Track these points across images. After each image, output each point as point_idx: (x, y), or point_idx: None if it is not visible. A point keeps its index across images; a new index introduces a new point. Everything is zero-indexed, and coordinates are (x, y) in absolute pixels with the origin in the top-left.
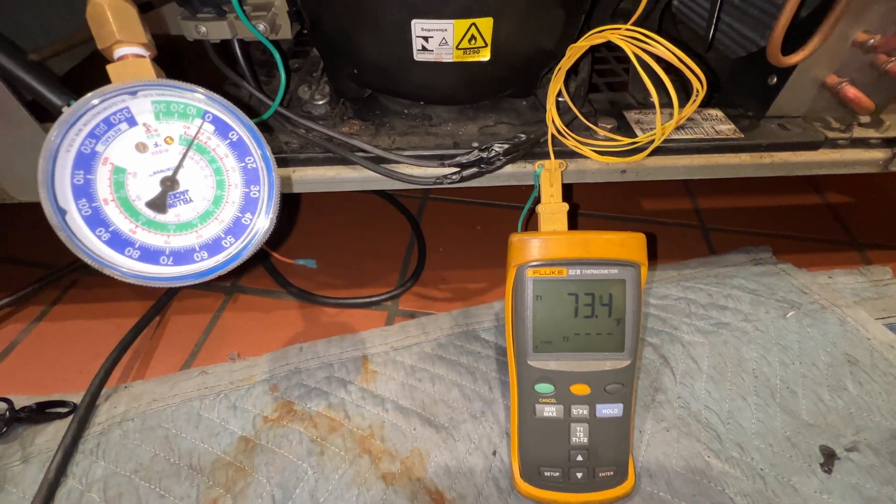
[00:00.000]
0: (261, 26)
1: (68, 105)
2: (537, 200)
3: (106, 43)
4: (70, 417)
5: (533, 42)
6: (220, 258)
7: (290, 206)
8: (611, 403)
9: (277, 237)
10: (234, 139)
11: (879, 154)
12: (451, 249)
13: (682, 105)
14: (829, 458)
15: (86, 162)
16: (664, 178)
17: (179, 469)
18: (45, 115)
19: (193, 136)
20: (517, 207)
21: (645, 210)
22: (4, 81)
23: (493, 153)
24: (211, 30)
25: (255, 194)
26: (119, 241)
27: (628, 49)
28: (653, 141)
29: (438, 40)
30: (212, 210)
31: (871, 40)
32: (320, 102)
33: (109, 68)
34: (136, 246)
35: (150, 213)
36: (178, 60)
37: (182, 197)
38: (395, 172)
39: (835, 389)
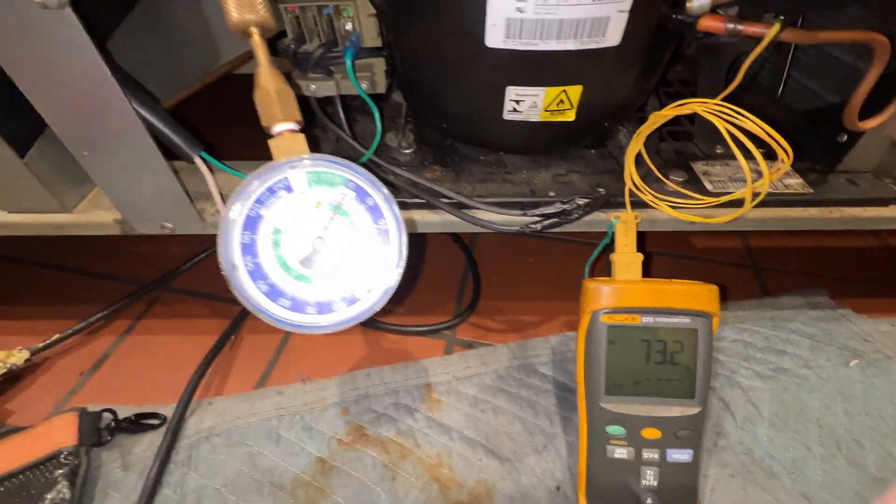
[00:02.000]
0: (364, 84)
1: (199, 156)
2: (607, 247)
3: (269, 122)
4: (163, 429)
5: (613, 102)
6: (357, 308)
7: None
8: (681, 449)
9: None
10: (371, 204)
11: None
12: (505, 280)
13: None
14: None
15: (252, 224)
16: (732, 229)
17: (262, 485)
18: (168, 153)
19: (339, 202)
20: (566, 241)
21: (695, 247)
22: (149, 132)
23: (574, 205)
24: (319, 88)
25: (384, 252)
26: (274, 293)
27: (720, 125)
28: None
29: (529, 104)
30: (350, 266)
31: None
32: (407, 151)
33: (271, 143)
34: (288, 297)
35: (300, 269)
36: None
37: (327, 254)
38: (478, 219)
39: None
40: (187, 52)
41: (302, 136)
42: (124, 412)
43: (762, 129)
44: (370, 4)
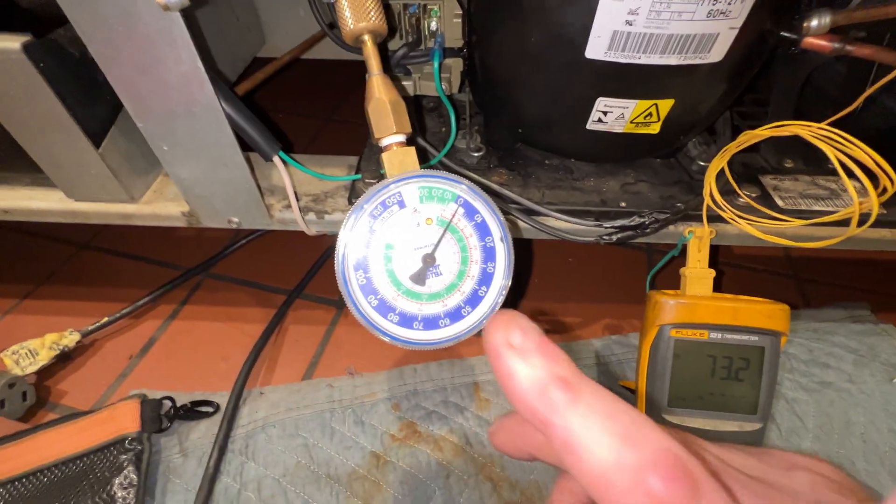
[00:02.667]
0: (443, 86)
1: (277, 155)
2: (673, 259)
3: (383, 133)
4: (217, 417)
5: (697, 116)
6: (461, 325)
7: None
8: None
9: None
10: (479, 220)
11: None
12: (546, 280)
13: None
14: None
15: (365, 239)
16: (801, 246)
17: (319, 477)
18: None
19: (450, 218)
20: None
21: (735, 254)
22: (232, 128)
23: (652, 219)
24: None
25: (490, 270)
26: (384, 307)
27: (830, 152)
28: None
29: (616, 115)
30: (456, 283)
31: None
32: (475, 154)
33: (384, 157)
34: (397, 312)
35: (409, 284)
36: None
37: (435, 270)
38: (551, 228)
39: None
40: (238, 40)
41: (412, 150)
42: (179, 399)
43: (871, 157)
44: (458, 5)
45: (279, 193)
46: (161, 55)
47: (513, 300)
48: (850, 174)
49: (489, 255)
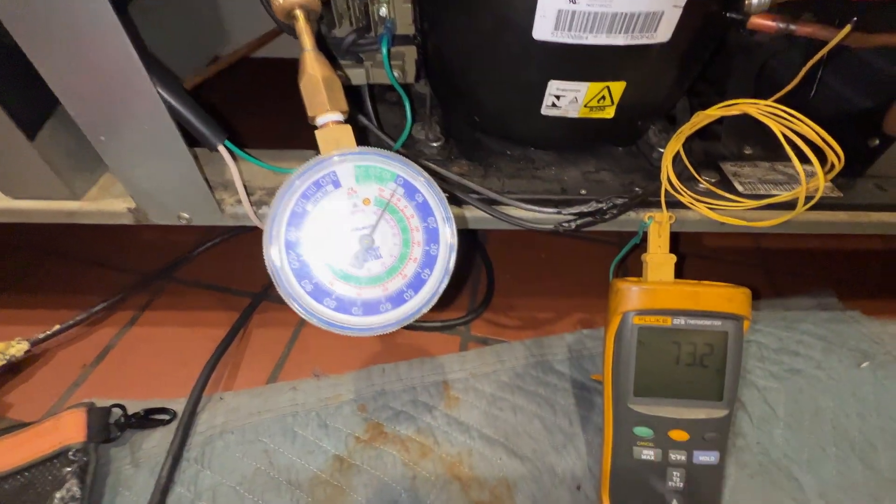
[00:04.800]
0: (395, 73)
1: (223, 144)
2: (635, 247)
3: (316, 111)
4: (174, 425)
5: (652, 100)
6: (404, 310)
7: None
8: (708, 451)
9: None
10: (420, 201)
11: None
12: (518, 276)
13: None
14: None
15: (297, 220)
16: (761, 232)
17: (279, 484)
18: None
19: (388, 198)
20: (578, 236)
21: (706, 246)
22: (172, 117)
23: (610, 205)
24: (351, 76)
25: (433, 252)
26: (320, 292)
27: (775, 127)
28: (775, 204)
29: (570, 99)
30: (397, 266)
31: None
32: (434, 144)
33: (318, 134)
34: (333, 297)
35: (346, 268)
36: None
37: (374, 253)
38: (510, 217)
39: None
40: (199, 33)
41: (349, 128)
42: (132, 407)
43: (818, 133)
44: None
45: (232, 188)
46: (88, 38)
47: (485, 297)
48: (805, 160)
49: (432, 236)
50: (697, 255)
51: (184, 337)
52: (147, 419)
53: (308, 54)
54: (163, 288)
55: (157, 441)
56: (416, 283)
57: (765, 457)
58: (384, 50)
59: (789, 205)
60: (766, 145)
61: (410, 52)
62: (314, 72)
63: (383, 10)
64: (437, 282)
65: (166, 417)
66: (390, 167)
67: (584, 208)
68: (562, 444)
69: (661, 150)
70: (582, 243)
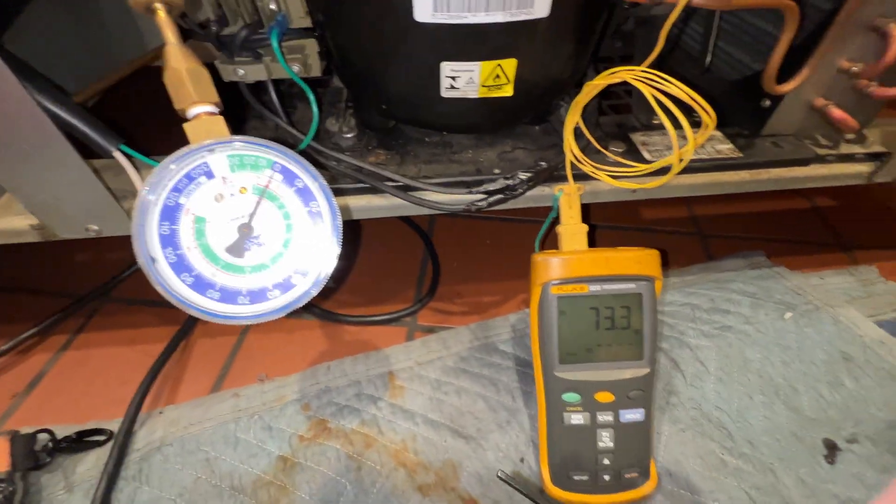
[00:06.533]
0: (295, 67)
1: (118, 149)
2: (555, 221)
3: (183, 103)
4: (109, 445)
5: (549, 76)
6: (292, 295)
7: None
8: (633, 409)
9: None
10: (300, 186)
11: (864, 168)
12: (464, 264)
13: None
14: (831, 451)
15: (171, 214)
16: (671, 195)
17: (222, 491)
18: (87, 151)
19: (265, 185)
20: (522, 221)
21: (645, 219)
22: (58, 127)
23: (517, 181)
24: (249, 72)
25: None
26: (202, 284)
27: (646, 91)
28: (666, 166)
29: (466, 80)
30: (282, 252)
31: (854, 68)
32: (348, 135)
33: (186, 127)
34: (217, 288)
35: (228, 258)
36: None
37: (256, 241)
38: (424, 200)
39: (833, 385)
40: (110, 40)
41: (221, 119)
42: (66, 431)
43: (686, 93)
44: None
45: None
46: None
47: (431, 287)
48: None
49: (316, 219)
50: (636, 228)
51: (121, 356)
52: (80, 442)
53: (171, 47)
54: (98, 309)
55: (93, 463)
56: (304, 267)
57: (697, 411)
58: (274, 44)
59: (697, 167)
60: (667, 112)
61: (311, 45)
62: (177, 65)
63: (273, 5)
64: (325, 264)
65: (102, 438)
66: (266, 154)
67: (492, 186)
68: (505, 420)
69: None
70: (525, 226)
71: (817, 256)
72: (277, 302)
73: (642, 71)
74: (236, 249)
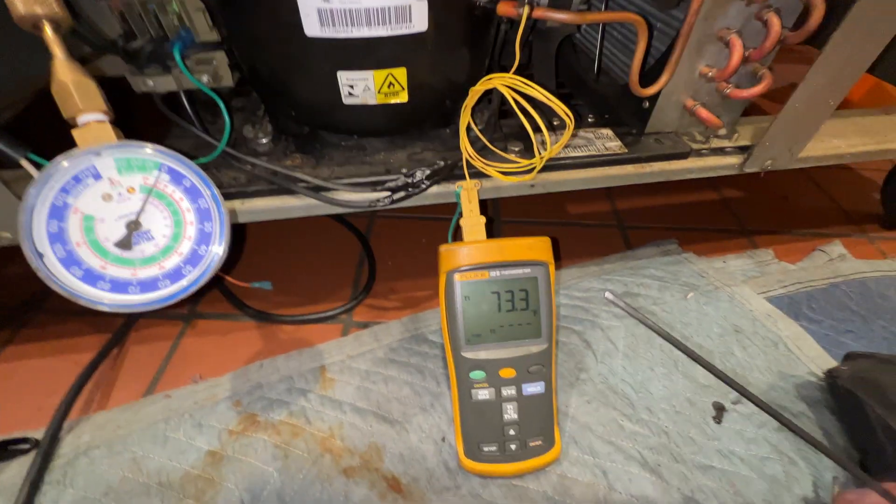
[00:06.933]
0: (204, 78)
1: (26, 158)
2: (461, 215)
3: (70, 113)
4: (33, 452)
5: (442, 83)
6: (181, 284)
7: (242, 233)
8: (534, 382)
9: (231, 262)
10: (188, 185)
11: (734, 160)
12: (399, 262)
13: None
14: (719, 412)
15: (59, 213)
16: (565, 189)
17: (149, 487)
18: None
19: (152, 185)
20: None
21: (570, 214)
22: None
23: (417, 178)
24: (158, 83)
25: (208, 229)
26: (92, 277)
27: (507, 94)
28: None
29: (362, 87)
30: (171, 245)
31: (711, 73)
32: (264, 141)
33: (75, 133)
34: (107, 279)
35: (117, 252)
36: (125, 100)
37: (145, 236)
38: (333, 199)
39: (725, 355)
40: (23, 52)
41: (108, 126)
42: None
43: (544, 96)
44: None
45: None
46: None
47: (366, 285)
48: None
49: (204, 215)
50: (561, 222)
51: (53, 366)
52: (4, 451)
53: (58, 62)
54: (29, 321)
55: (16, 471)
56: (194, 259)
57: (604, 385)
58: (177, 57)
59: (589, 163)
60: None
61: (220, 57)
62: (63, 77)
63: (176, 21)
64: (214, 255)
65: (26, 447)
66: (152, 157)
67: (394, 184)
68: (429, 403)
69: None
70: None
71: (723, 242)
72: (168, 290)
73: (510, 77)
74: (125, 244)
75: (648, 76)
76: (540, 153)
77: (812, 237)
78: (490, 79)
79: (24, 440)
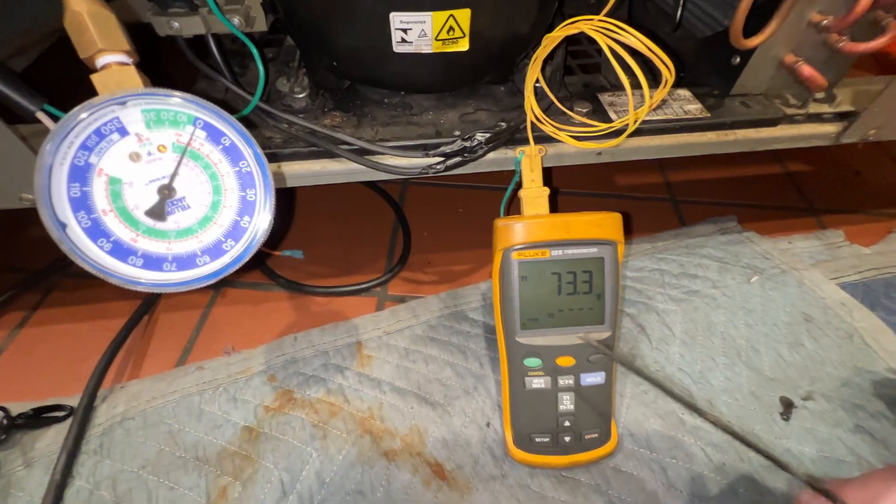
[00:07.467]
0: (235, 20)
1: (42, 110)
2: (519, 185)
3: (87, 52)
4: (69, 420)
5: (509, 30)
6: (223, 261)
7: (290, 201)
8: (594, 372)
9: (278, 236)
10: (227, 144)
11: (832, 128)
12: (435, 233)
13: (652, 88)
14: (787, 408)
15: (81, 174)
16: (638, 158)
17: (186, 462)
18: (13, 117)
19: (186, 143)
20: (497, 188)
21: (618, 186)
22: None
23: (475, 142)
24: (184, 25)
25: (251, 197)
26: (122, 251)
27: (601, 40)
28: (626, 126)
29: (417, 32)
30: (210, 215)
31: (825, 21)
32: (300, 95)
33: (94, 78)
34: (139, 254)
35: (149, 222)
36: (155, 50)
37: (180, 204)
38: (380, 164)
39: (793, 346)
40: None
41: (133, 70)
42: (22, 408)
43: (644, 43)
44: None
45: None
46: None
47: (402, 257)
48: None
49: (247, 181)
50: (610, 195)
51: (82, 332)
52: (39, 418)
53: None
54: (56, 284)
55: (52, 439)
56: (236, 232)
57: (660, 373)
58: None
59: (664, 128)
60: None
61: None
62: (77, 6)
63: None
64: (256, 228)
65: (61, 414)
66: (186, 109)
67: (448, 149)
68: (472, 386)
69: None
70: (498, 193)
71: (788, 221)
72: (207, 268)
73: (600, 20)
74: (157, 213)
75: (747, 25)
76: (612, 118)
77: (888, 217)
78: (574, 21)
79: (60, 408)
